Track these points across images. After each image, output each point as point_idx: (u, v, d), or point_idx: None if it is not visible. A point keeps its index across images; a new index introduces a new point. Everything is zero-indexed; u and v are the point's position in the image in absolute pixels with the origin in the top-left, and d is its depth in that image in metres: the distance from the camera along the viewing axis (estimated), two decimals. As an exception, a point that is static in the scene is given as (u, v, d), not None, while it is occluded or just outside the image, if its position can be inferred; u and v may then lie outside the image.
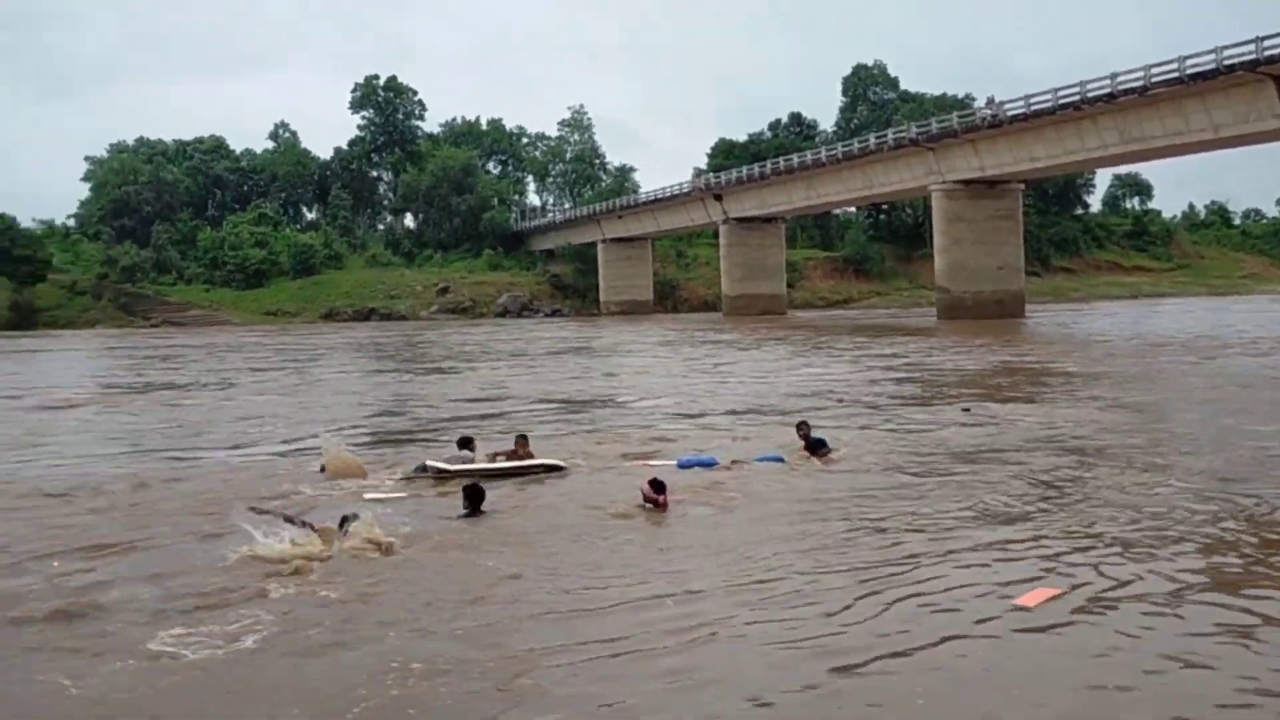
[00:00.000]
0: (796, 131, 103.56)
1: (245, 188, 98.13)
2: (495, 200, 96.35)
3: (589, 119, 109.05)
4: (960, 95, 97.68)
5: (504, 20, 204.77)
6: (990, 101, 53.56)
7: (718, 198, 70.71)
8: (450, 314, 78.10)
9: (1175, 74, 40.02)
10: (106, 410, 19.35)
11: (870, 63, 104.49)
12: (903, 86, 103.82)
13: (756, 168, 68.54)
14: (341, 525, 7.52)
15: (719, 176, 74.11)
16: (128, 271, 79.41)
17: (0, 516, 8.82)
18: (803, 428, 11.55)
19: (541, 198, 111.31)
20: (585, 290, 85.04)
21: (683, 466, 10.54)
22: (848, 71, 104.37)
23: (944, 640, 5.25)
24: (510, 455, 10.78)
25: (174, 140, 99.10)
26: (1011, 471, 9.89)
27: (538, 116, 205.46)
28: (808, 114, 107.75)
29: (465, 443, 10.95)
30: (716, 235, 74.95)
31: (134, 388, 24.32)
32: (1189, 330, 37.32)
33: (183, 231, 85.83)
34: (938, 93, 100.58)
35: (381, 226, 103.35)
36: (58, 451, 13.52)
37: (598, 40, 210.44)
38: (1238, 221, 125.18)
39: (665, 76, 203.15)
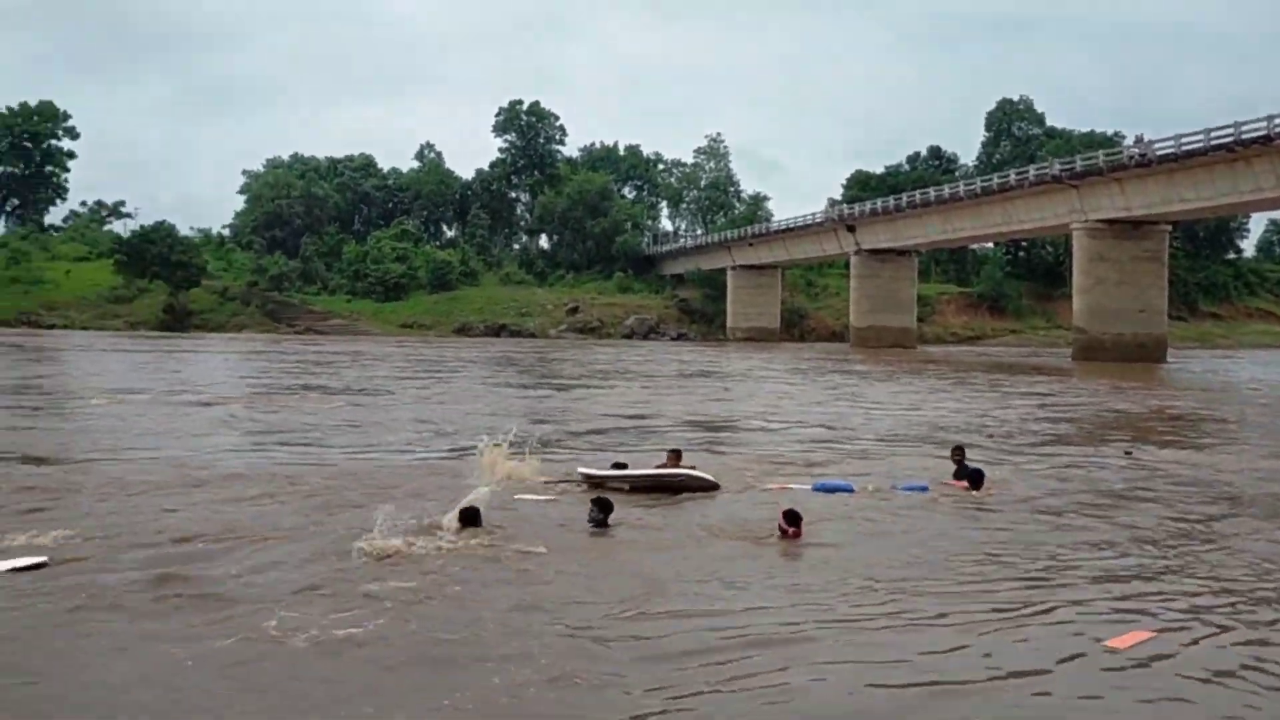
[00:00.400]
0: (935, 165, 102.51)
1: (390, 205, 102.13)
2: (628, 224, 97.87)
3: (725, 147, 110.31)
4: (1109, 133, 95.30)
5: (648, 48, 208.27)
6: (1139, 140, 52.38)
7: (850, 229, 70.50)
8: (578, 333, 79.58)
9: (1340, 115, 38.68)
10: (284, 409, 20.71)
11: (1016, 98, 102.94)
12: (1050, 122, 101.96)
13: (891, 200, 68.16)
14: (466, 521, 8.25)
15: (852, 207, 73.97)
16: (276, 280, 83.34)
17: (212, 505, 9.80)
18: (957, 453, 11.64)
19: (674, 223, 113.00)
20: (712, 316, 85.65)
21: (819, 490, 10.88)
22: (992, 106, 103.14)
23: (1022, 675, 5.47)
24: (664, 468, 11.23)
25: (326, 158, 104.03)
26: (1161, 514, 9.93)
27: (676, 143, 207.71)
28: (948, 148, 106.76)
29: (619, 467, 11.38)
30: (847, 266, 74.66)
31: (307, 388, 25.83)
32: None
33: (329, 244, 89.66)
34: (1085, 129, 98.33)
35: (517, 246, 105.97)
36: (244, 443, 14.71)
37: (739, 68, 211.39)
38: None
39: (806, 106, 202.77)
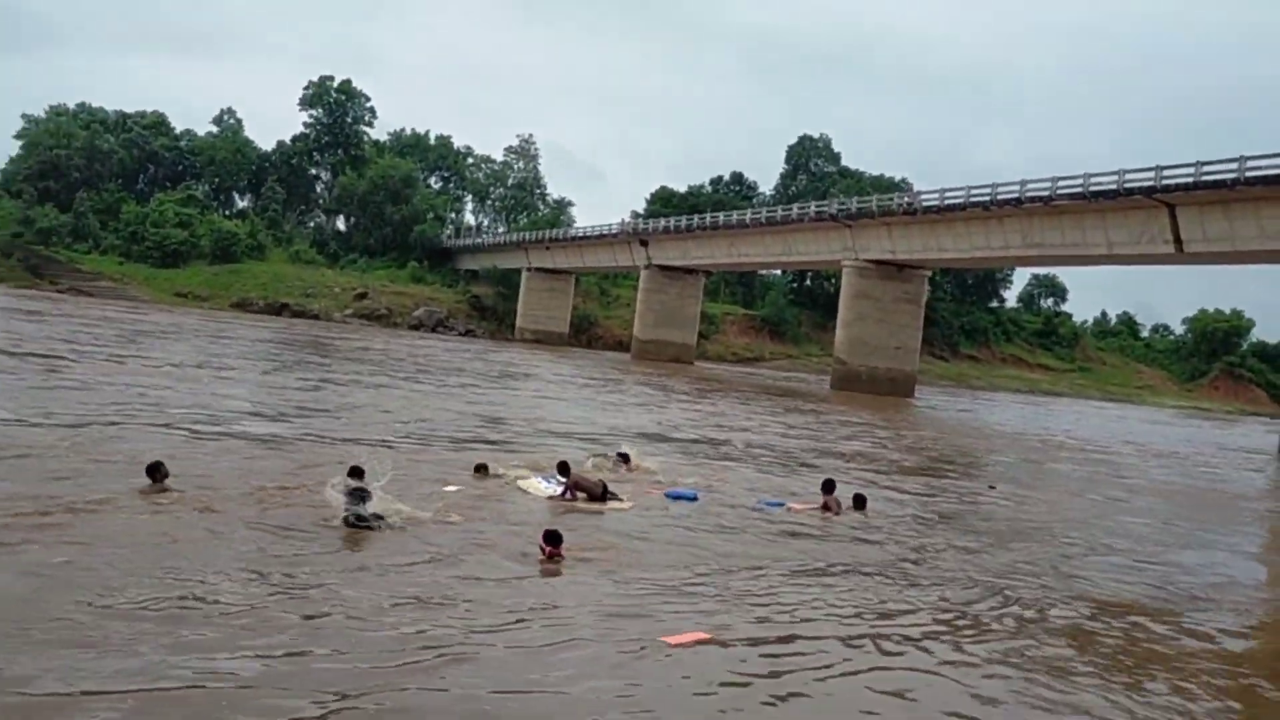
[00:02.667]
0: (736, 190, 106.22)
1: (180, 168, 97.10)
2: (430, 214, 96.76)
3: (536, 149, 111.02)
4: (898, 178, 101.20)
5: (483, 41, 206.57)
6: (908, 190, 55.94)
7: (644, 243, 72.10)
8: (365, 319, 78.09)
9: (1080, 189, 42.26)
10: None
11: (816, 135, 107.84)
12: (845, 162, 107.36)
13: (683, 220, 70.16)
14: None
15: (647, 223, 75.86)
16: (44, 234, 78.20)
17: None
18: (827, 485, 12.88)
19: (478, 219, 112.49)
20: (503, 314, 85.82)
21: (671, 498, 12.21)
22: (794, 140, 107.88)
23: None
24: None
25: (115, 110, 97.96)
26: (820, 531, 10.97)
27: (491, 140, 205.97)
28: (753, 174, 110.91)
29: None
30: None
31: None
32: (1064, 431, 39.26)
33: (107, 202, 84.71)
34: (877, 173, 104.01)
35: (312, 225, 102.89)
36: None
37: (573, 74, 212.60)
38: (1145, 334, 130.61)
39: (634, 119, 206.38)
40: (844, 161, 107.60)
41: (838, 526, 11.50)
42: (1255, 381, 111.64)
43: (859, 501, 12.75)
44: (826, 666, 6.49)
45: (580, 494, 11.53)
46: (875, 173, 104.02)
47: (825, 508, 12.24)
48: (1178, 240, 39.48)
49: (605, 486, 11.73)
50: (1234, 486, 24.20)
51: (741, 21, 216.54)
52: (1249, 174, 35.81)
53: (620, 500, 11.58)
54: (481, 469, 12.59)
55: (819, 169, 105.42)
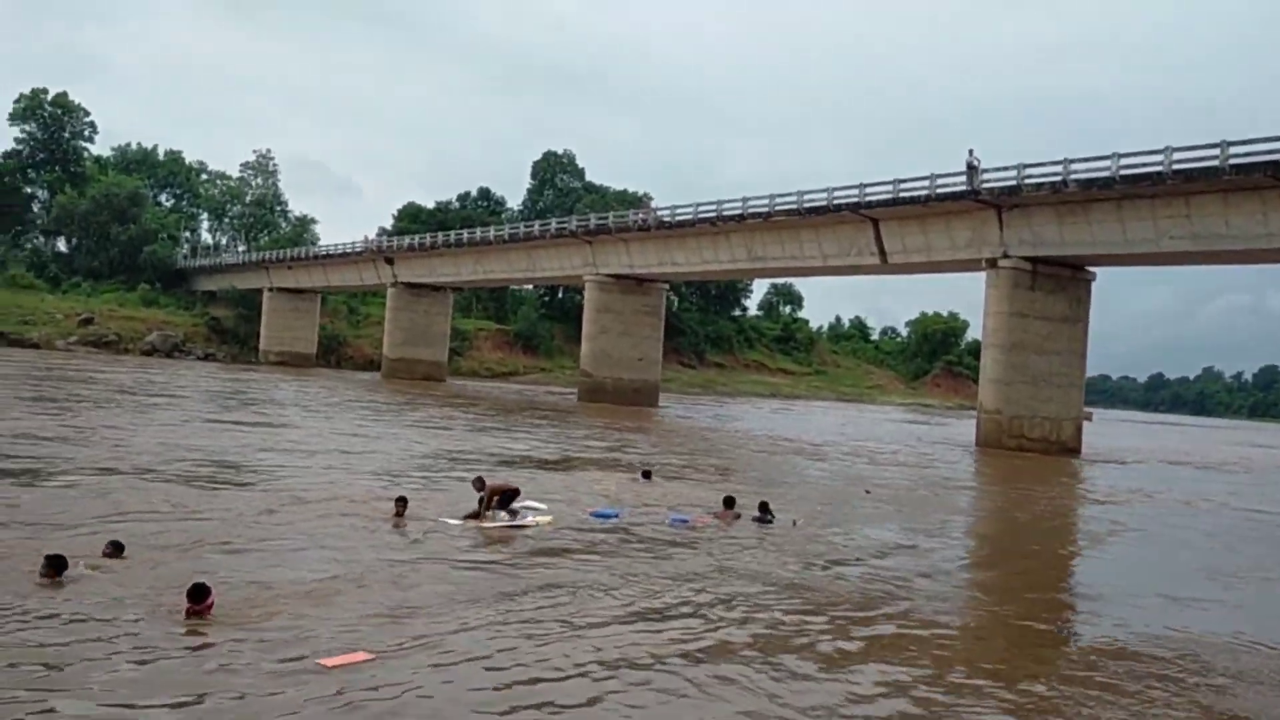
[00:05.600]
0: (484, 206, 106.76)
1: None
2: (161, 234, 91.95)
3: (275, 164, 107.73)
4: (640, 192, 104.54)
5: (211, 49, 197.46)
6: (647, 204, 58.16)
7: (389, 261, 71.47)
8: (92, 347, 73.37)
9: (794, 206, 45.33)
10: None
11: (560, 150, 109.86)
12: (591, 177, 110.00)
13: (428, 237, 70.05)
14: None
15: (392, 240, 75.31)
16: None
17: None
18: (729, 501, 14.73)
19: (215, 238, 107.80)
20: (245, 336, 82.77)
21: (595, 517, 13.57)
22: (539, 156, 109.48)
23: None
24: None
25: None
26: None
27: (230, 156, 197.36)
28: (502, 189, 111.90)
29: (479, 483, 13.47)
30: (391, 297, 75.57)
31: None
32: (802, 433, 41.97)
33: None
34: (620, 187, 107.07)
35: (29, 248, 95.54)
36: None
37: (315, 83, 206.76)
38: (875, 336, 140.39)
39: (384, 131, 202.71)
40: (590, 176, 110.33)
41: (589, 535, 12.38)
42: (971, 377, 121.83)
43: (762, 508, 14.54)
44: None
45: (495, 497, 12.89)
46: (619, 187, 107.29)
47: (722, 517, 14.12)
48: (882, 252, 43.05)
49: (516, 491, 13.40)
50: (938, 473, 26.77)
51: (485, 34, 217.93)
52: (939, 191, 39.50)
53: (542, 513, 13.22)
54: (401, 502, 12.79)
55: (564, 184, 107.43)
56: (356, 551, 10.40)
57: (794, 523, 14.43)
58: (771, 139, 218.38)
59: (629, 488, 17.28)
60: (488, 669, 6.85)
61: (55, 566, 8.27)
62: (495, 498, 12.96)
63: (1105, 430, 64.63)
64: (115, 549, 9.25)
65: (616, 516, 13.67)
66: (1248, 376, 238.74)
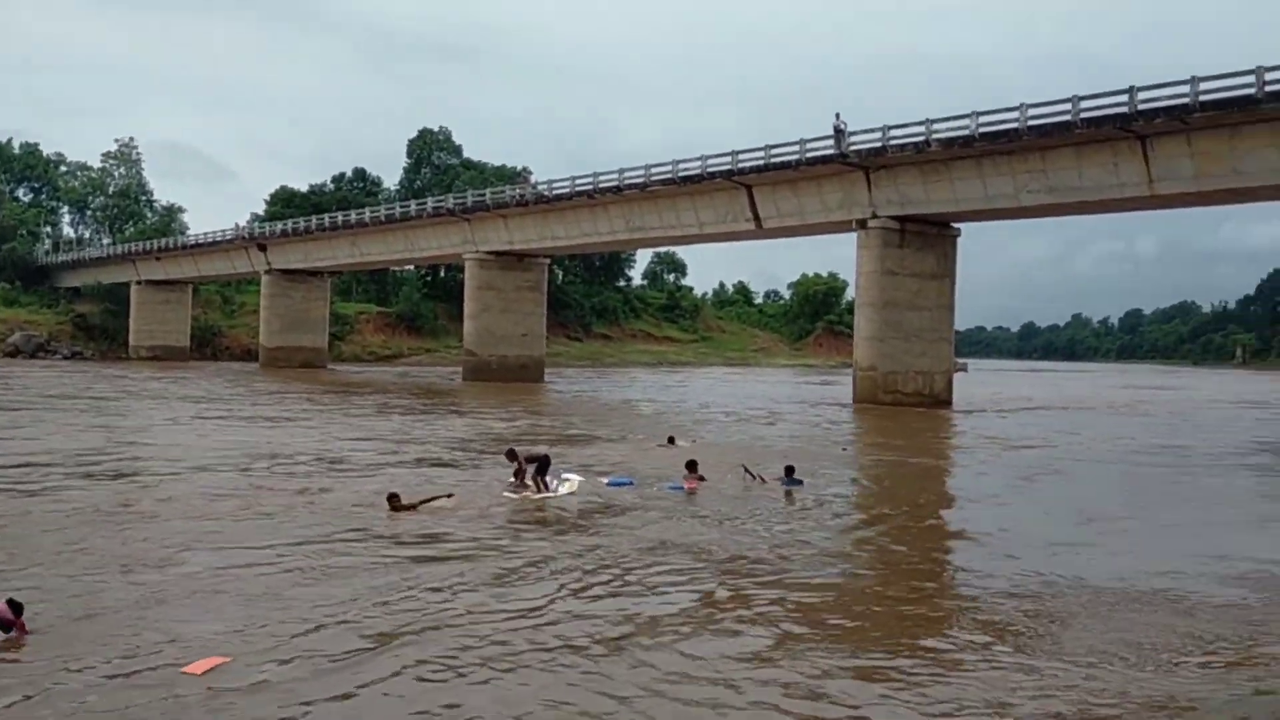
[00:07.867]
0: (360, 187, 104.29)
1: None
2: (21, 231, 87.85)
3: (138, 152, 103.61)
4: (519, 167, 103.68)
5: (60, 31, 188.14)
6: (524, 181, 57.81)
7: (262, 248, 69.64)
8: (-52, 351, 70.11)
9: (670, 175, 45.61)
10: None
11: (436, 128, 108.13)
12: (470, 154, 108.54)
13: (302, 222, 68.30)
14: None
15: (264, 227, 73.41)
16: None
17: None
18: (691, 465, 15.31)
19: (78, 231, 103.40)
20: (114, 332, 79.90)
21: (612, 485, 14.74)
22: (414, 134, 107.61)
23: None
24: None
25: None
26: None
27: (93, 145, 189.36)
28: (380, 170, 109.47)
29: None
30: (265, 284, 73.64)
31: None
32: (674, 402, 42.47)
33: None
34: (499, 163, 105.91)
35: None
36: None
37: (182, 63, 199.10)
38: (759, 300, 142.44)
39: (262, 112, 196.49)
40: (478, 154, 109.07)
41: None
42: (850, 336, 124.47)
43: (788, 471, 15.41)
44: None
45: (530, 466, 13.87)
46: (498, 163, 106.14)
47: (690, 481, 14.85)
48: (757, 217, 43.72)
49: (548, 458, 14.38)
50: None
51: (355, 10, 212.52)
52: (809, 155, 40.14)
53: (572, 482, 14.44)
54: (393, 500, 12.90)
55: (442, 162, 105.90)
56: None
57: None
58: (672, 109, 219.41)
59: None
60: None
61: None
62: (532, 465, 14.02)
63: (977, 379, 66.98)
64: None
65: (632, 484, 14.92)
66: (1113, 321, 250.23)
